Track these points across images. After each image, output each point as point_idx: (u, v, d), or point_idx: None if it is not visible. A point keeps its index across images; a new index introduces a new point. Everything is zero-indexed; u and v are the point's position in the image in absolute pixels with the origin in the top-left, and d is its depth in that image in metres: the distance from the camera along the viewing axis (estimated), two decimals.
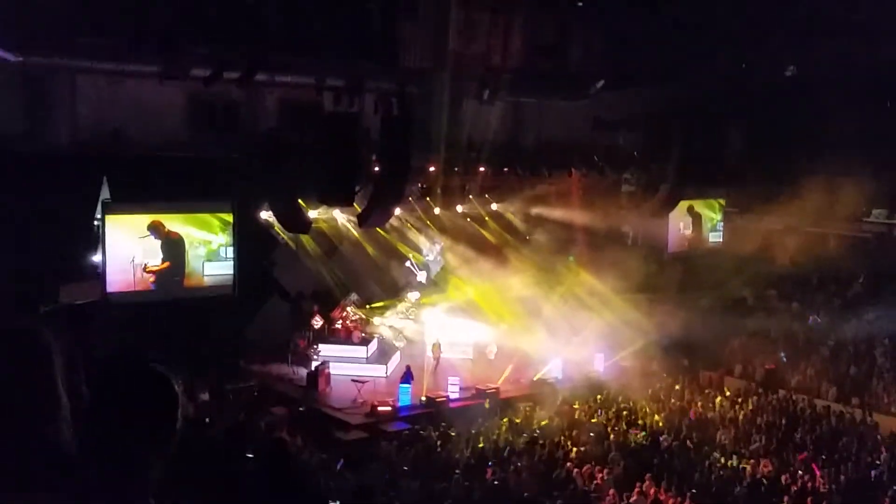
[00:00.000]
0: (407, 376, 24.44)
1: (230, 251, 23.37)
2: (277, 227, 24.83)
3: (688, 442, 21.78)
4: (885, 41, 25.57)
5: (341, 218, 26.84)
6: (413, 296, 29.61)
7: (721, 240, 33.19)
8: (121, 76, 21.44)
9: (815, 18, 26.34)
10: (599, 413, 23.87)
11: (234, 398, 22.74)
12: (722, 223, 33.46)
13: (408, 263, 29.66)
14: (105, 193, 21.96)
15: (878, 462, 20.74)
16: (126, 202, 22.43)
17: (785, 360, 27.94)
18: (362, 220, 23.83)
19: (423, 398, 24.27)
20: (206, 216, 23.41)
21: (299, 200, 23.32)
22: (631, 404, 24.63)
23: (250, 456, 8.34)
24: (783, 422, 23.64)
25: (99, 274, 21.68)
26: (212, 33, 20.87)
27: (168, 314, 21.57)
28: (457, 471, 18.41)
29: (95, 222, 21.77)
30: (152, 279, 22.41)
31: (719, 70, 27.34)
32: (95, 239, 21.68)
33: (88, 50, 20.66)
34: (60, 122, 22.75)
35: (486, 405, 23.93)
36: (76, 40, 20.42)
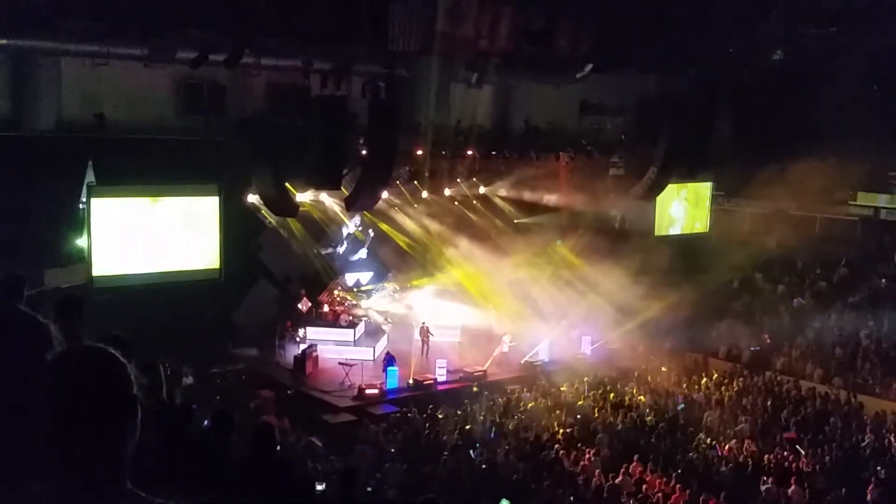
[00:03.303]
0: (390, 361, 24.52)
1: (217, 234, 23.24)
2: (264, 210, 24.78)
3: (673, 423, 21.93)
4: (874, 26, 25.65)
5: (329, 201, 26.80)
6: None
7: (708, 223, 33.26)
8: (106, 59, 21.22)
9: (803, 3, 26.37)
10: (586, 395, 24.00)
11: (221, 382, 22.73)
12: (709, 207, 33.51)
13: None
14: (90, 176, 21.81)
15: (863, 443, 20.92)
16: (111, 185, 22.28)
17: (769, 340, 28.13)
18: (350, 204, 23.79)
19: (411, 381, 24.37)
20: (193, 199, 23.28)
21: (286, 184, 23.26)
22: (617, 386, 24.78)
23: (236, 439, 8.33)
24: (769, 403, 23.83)
25: (84, 257, 21.57)
26: (198, 15, 20.68)
27: (154, 298, 21.48)
28: (444, 453, 18.49)
29: (81, 205, 21.63)
30: (138, 262, 22.28)
31: (707, 55, 27.30)
32: (81, 222, 21.55)
33: (73, 32, 20.45)
34: (45, 105, 22.55)
35: (474, 388, 24.01)
36: (61, 23, 20.22)
